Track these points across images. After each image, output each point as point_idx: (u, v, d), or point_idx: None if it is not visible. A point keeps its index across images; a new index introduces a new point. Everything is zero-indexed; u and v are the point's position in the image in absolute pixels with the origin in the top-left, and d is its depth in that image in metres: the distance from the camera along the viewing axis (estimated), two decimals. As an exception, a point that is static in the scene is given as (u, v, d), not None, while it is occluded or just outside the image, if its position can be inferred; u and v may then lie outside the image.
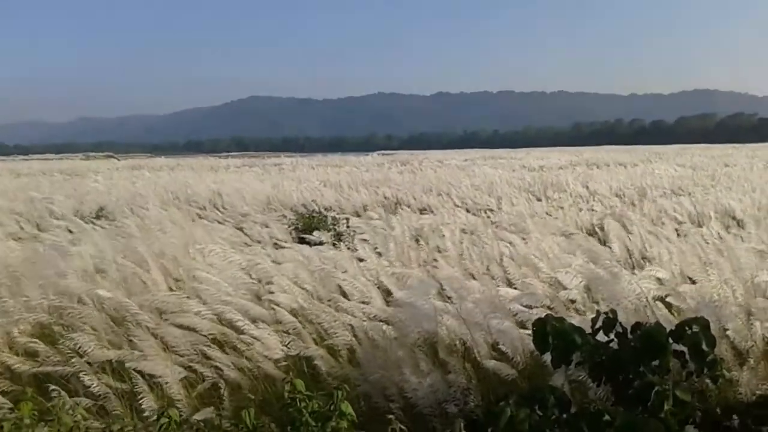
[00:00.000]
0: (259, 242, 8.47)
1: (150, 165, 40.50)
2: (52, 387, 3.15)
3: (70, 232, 8.34)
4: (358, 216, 11.42)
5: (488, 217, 10.57)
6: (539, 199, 13.88)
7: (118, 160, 57.66)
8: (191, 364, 3.68)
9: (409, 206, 13.08)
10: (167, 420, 2.28)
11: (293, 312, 4.27)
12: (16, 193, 16.26)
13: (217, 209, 13.12)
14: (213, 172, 30.35)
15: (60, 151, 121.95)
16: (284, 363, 3.83)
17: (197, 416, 2.77)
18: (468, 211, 11.72)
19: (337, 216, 10.87)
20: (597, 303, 4.18)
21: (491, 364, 3.60)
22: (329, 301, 4.65)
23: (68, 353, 3.67)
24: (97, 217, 11.52)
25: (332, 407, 2.34)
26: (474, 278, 5.22)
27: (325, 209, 11.41)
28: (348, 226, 9.79)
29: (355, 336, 4.09)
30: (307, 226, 9.51)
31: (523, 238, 6.84)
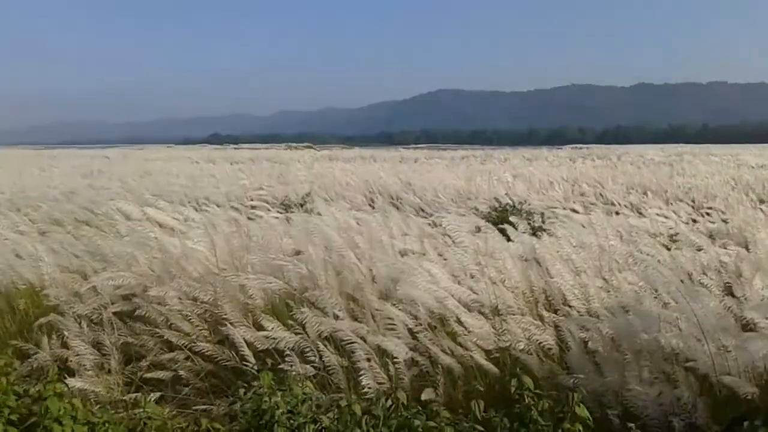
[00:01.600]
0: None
1: (344, 156, 42.76)
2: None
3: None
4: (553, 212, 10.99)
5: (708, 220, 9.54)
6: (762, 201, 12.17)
7: (317, 150, 61.75)
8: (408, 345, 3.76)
9: (612, 204, 12.26)
10: (395, 401, 2.33)
11: (499, 307, 4.19)
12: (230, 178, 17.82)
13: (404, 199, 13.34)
14: (403, 163, 31.21)
15: (265, 141, 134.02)
16: (495, 355, 3.78)
17: (423, 396, 2.80)
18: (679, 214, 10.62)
19: (531, 209, 10.60)
20: None
21: (728, 379, 3.21)
22: (533, 295, 4.50)
23: (296, 328, 3.96)
24: (303, 203, 12.34)
25: (564, 408, 2.22)
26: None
27: (519, 203, 11.12)
28: (544, 221, 9.49)
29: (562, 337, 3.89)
30: (501, 218, 9.39)
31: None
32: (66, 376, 3.68)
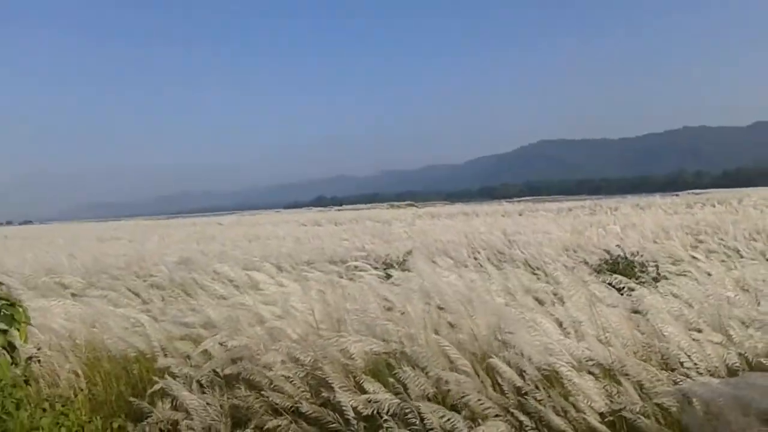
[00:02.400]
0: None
1: (446, 212, 42.80)
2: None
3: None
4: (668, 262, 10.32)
5: None
6: None
7: (418, 208, 62.31)
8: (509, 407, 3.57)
9: (736, 251, 11.32)
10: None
11: (610, 366, 3.89)
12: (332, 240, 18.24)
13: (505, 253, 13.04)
14: (506, 217, 30.78)
15: (368, 201, 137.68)
16: (609, 418, 3.49)
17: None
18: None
19: (644, 260, 10.01)
20: None
21: None
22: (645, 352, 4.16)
23: (396, 387, 3.89)
24: (403, 261, 12.35)
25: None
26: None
27: (632, 254, 10.53)
28: (659, 272, 8.93)
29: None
30: (612, 270, 8.99)
31: None
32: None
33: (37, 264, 13.97)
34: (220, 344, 5.09)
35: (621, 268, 9.19)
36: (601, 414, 3.53)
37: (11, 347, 3.53)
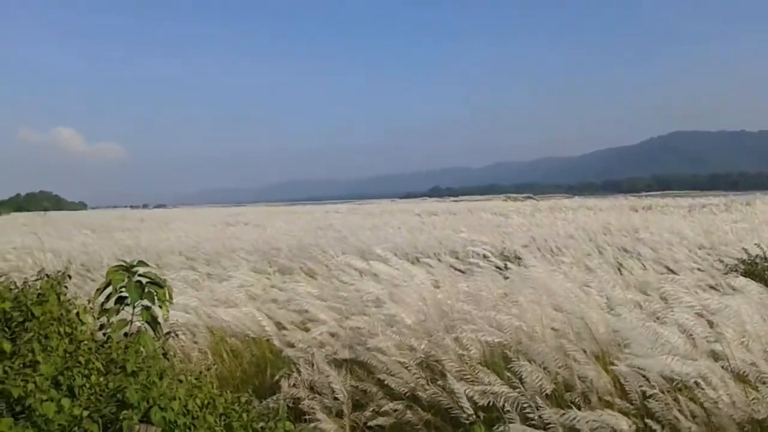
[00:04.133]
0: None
1: (567, 205, 41.26)
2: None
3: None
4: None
5: None
6: None
7: (537, 201, 60.57)
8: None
9: None
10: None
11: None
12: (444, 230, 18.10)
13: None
14: (633, 212, 29.18)
15: (482, 192, 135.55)
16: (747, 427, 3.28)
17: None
18: None
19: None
20: None
21: None
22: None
23: (513, 381, 3.87)
24: (517, 257, 12.05)
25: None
26: None
27: (772, 255, 9.67)
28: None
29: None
30: (750, 272, 8.38)
31: None
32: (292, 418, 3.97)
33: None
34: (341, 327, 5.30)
35: (760, 270, 8.55)
36: (740, 424, 3.31)
37: (155, 322, 3.87)
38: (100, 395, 2.76)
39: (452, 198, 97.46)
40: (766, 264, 8.92)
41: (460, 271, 8.06)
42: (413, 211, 40.35)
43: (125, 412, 2.54)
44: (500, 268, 8.65)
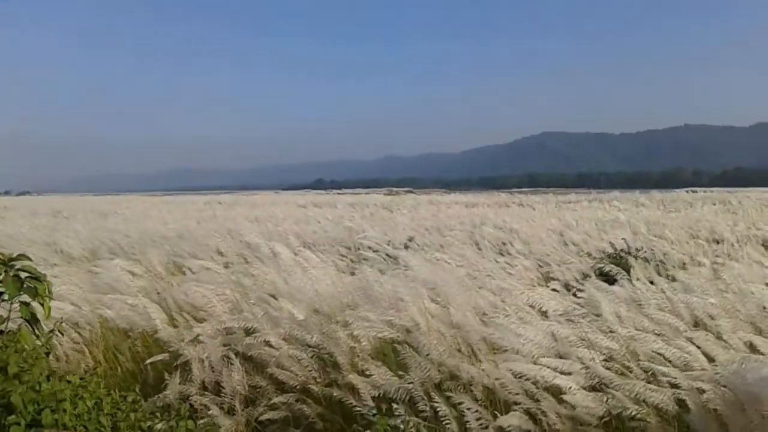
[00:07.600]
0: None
1: (445, 200, 42.70)
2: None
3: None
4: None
5: None
6: None
7: (417, 195, 62.15)
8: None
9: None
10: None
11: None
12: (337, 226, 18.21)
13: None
14: (504, 207, 30.87)
15: (367, 186, 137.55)
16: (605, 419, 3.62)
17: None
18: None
19: (646, 255, 10.18)
20: None
21: None
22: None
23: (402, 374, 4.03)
24: (406, 247, 12.42)
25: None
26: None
27: (637, 249, 10.69)
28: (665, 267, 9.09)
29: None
30: (616, 263, 9.14)
31: None
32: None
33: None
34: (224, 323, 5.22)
35: (623, 262, 9.30)
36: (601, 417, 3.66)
37: (34, 320, 3.62)
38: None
39: (336, 191, 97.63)
40: (623, 261, 9.68)
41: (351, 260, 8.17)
42: (297, 202, 40.06)
43: (11, 417, 2.39)
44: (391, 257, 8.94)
